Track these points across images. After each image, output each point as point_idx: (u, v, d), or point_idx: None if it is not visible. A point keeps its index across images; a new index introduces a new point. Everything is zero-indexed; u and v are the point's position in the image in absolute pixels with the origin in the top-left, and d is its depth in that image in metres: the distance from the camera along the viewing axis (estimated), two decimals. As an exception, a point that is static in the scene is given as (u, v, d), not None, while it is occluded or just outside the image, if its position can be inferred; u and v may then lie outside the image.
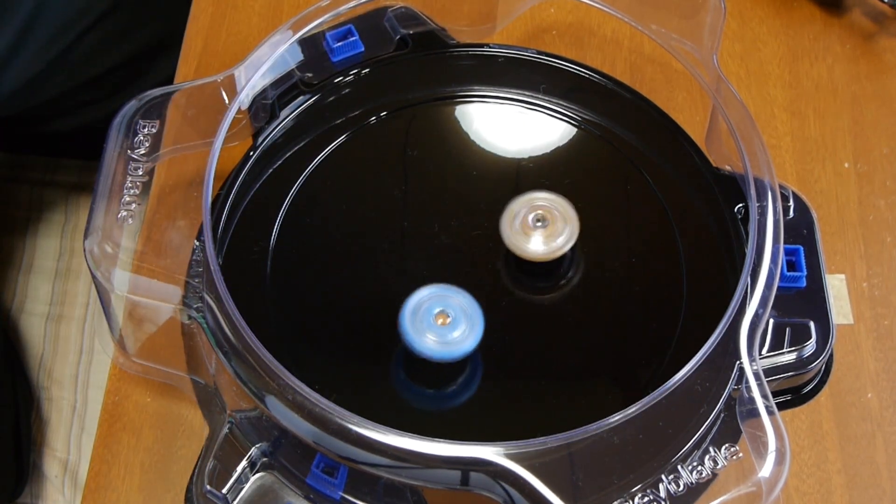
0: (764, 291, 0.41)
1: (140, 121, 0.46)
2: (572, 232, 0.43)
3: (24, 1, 0.65)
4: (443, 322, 0.41)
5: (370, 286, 0.46)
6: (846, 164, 0.54)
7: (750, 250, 0.42)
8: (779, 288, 0.42)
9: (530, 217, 0.43)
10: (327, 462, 0.40)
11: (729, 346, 0.41)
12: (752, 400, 0.39)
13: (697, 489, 0.38)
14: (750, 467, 0.38)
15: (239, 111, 0.47)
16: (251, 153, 0.48)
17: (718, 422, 0.40)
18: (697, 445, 0.39)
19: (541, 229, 0.43)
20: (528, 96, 0.51)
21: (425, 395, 0.43)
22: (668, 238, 0.46)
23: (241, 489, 0.41)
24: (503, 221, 0.44)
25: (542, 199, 0.44)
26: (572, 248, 0.45)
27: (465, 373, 0.43)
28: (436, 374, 0.43)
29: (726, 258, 0.46)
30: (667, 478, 0.38)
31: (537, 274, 0.45)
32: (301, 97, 0.50)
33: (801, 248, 0.45)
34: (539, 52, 0.52)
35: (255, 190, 0.47)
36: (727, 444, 0.39)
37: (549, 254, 0.43)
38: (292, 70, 0.50)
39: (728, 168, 0.48)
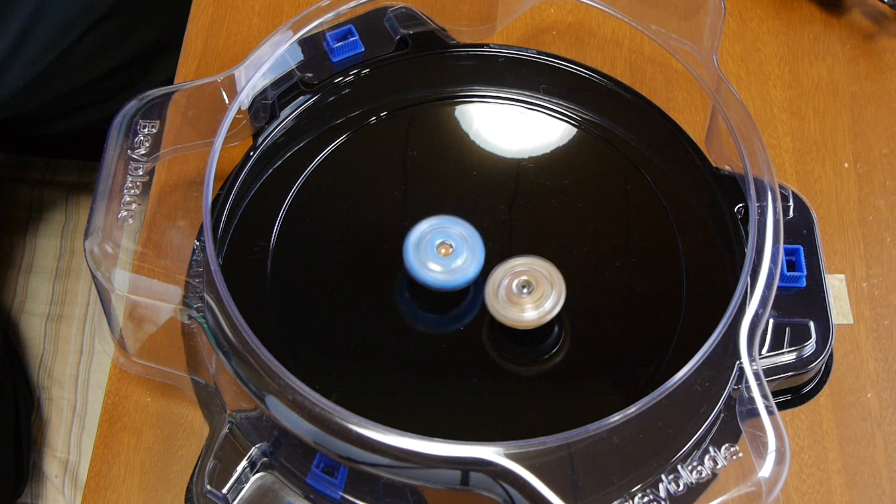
0: (764, 291, 0.41)
1: (140, 121, 0.46)
2: (560, 293, 0.42)
3: (24, 3, 0.65)
4: (445, 252, 0.42)
5: (370, 286, 0.46)
6: (846, 164, 0.54)
7: (750, 250, 0.42)
8: (779, 288, 0.42)
9: (514, 284, 0.42)
10: (327, 462, 0.40)
11: (729, 346, 0.41)
12: (751, 400, 0.39)
13: (697, 489, 0.38)
14: (750, 467, 0.38)
15: (239, 111, 0.47)
16: (251, 153, 0.48)
17: (718, 422, 0.40)
18: (697, 445, 0.39)
19: (528, 296, 0.42)
20: (528, 96, 0.51)
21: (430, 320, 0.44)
22: (668, 238, 0.46)
23: (241, 489, 0.41)
24: (487, 292, 0.42)
25: (523, 264, 0.43)
26: (573, 252, 0.45)
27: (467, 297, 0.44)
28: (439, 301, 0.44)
29: (726, 258, 0.46)
30: (667, 478, 0.38)
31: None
32: (301, 97, 0.50)
33: (801, 248, 0.45)
34: (539, 52, 0.52)
35: (255, 190, 0.47)
36: (727, 444, 0.39)
37: (539, 320, 0.42)
38: (292, 70, 0.50)
39: (728, 168, 0.48)
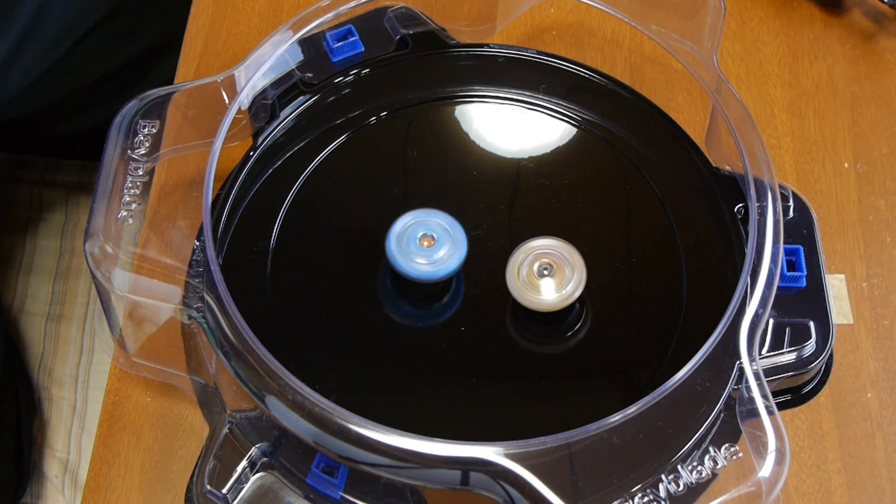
0: (764, 291, 0.41)
1: (140, 121, 0.46)
2: (581, 277, 0.43)
3: (25, 5, 0.65)
4: (428, 244, 0.43)
5: (370, 286, 0.46)
6: (846, 164, 0.54)
7: (750, 250, 0.42)
8: (779, 288, 0.42)
9: (536, 266, 0.43)
10: (327, 462, 0.40)
11: (729, 346, 0.41)
12: (752, 400, 0.39)
13: (697, 489, 0.38)
14: (750, 467, 0.38)
15: (239, 111, 0.47)
16: (251, 153, 0.48)
17: (718, 422, 0.40)
18: (697, 445, 0.39)
19: (548, 278, 0.42)
20: (528, 96, 0.51)
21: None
22: (668, 238, 0.46)
23: (241, 489, 0.41)
24: (508, 273, 0.43)
25: (546, 247, 0.43)
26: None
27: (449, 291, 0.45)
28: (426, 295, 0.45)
29: (726, 258, 0.46)
30: (667, 478, 0.38)
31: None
32: (301, 97, 0.50)
33: (801, 248, 0.45)
34: (539, 52, 0.52)
35: (255, 190, 0.47)
36: (727, 444, 0.39)
37: (560, 302, 0.42)
38: (292, 70, 0.50)
39: (728, 168, 0.48)
